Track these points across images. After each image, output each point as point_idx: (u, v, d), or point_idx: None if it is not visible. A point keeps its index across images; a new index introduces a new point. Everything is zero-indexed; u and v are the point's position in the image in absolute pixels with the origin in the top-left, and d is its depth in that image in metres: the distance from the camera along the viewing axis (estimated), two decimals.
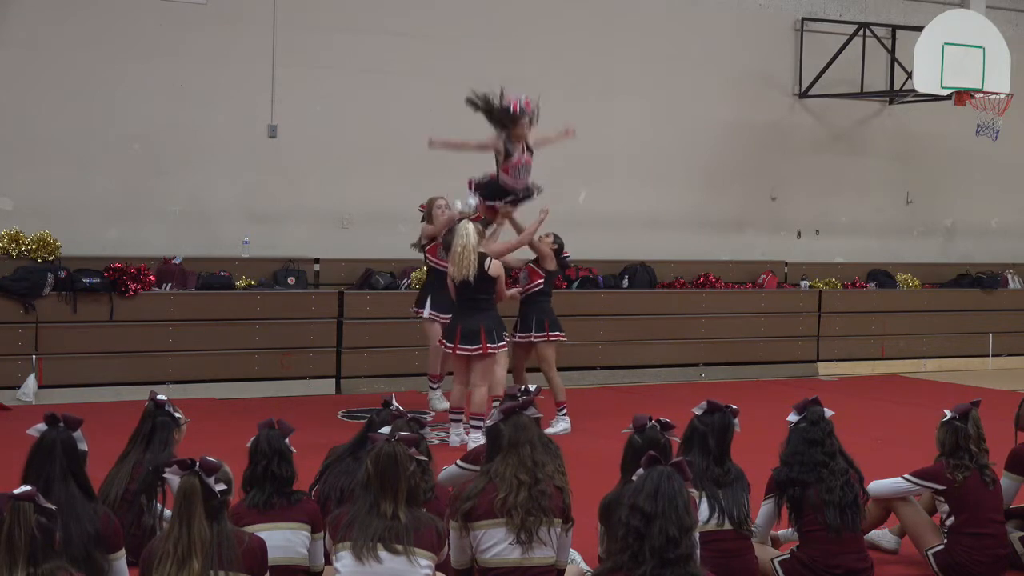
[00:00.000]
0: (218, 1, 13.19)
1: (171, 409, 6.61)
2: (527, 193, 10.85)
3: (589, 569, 5.93)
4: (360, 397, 12.60)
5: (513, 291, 10.69)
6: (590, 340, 14.16)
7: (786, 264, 16.38)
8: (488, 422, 5.95)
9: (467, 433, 10.05)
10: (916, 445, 9.35)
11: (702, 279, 15.30)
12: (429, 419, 9.83)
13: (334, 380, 13.13)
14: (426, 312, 11.39)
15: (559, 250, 11.17)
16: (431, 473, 5.86)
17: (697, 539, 4.85)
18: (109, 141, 12.84)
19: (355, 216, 13.92)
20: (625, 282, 14.90)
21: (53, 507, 4.42)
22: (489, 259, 9.99)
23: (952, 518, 6.71)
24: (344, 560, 5.10)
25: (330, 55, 13.71)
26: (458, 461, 6.65)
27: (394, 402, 6.28)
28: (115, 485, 6.41)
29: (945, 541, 6.72)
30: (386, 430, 5.41)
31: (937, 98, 15.13)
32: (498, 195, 10.75)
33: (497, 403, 6.23)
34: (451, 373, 10.65)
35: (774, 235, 16.52)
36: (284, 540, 5.59)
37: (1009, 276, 17.36)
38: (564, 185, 13.84)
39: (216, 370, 12.57)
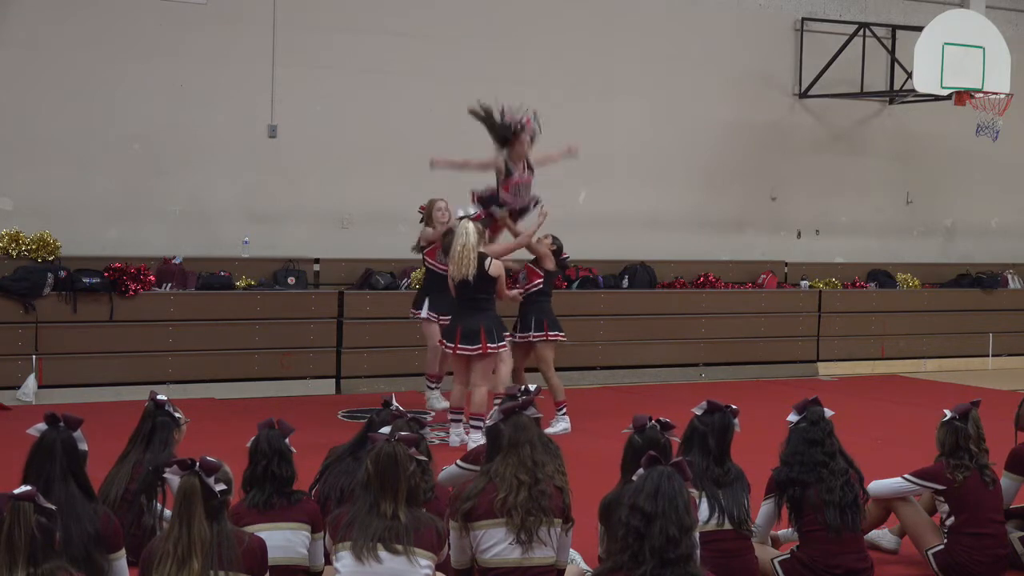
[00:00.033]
0: (218, 1, 13.19)
1: (171, 409, 6.60)
2: (524, 208, 10.97)
3: (589, 569, 5.93)
4: (360, 397, 12.61)
5: (514, 292, 10.70)
6: (590, 340, 14.16)
7: (786, 264, 16.37)
8: (488, 422, 5.95)
9: (467, 433, 10.06)
10: (916, 445, 9.35)
11: (702, 279, 15.30)
12: (429, 419, 9.83)
13: (334, 380, 13.13)
14: (423, 313, 11.41)
15: (558, 251, 11.18)
16: (431, 473, 5.86)
17: (697, 539, 4.85)
18: (109, 141, 12.84)
19: (355, 216, 13.92)
20: (625, 282, 14.90)
21: (53, 507, 4.41)
22: (489, 259, 9.99)
23: (952, 518, 6.71)
24: (344, 560, 5.10)
25: (330, 55, 13.71)
26: (458, 461, 6.65)
27: (394, 402, 6.28)
28: (115, 485, 6.41)
29: (945, 541, 6.71)
30: (386, 430, 5.41)
31: (937, 98, 15.13)
32: (499, 207, 10.88)
33: (498, 401, 6.22)
34: (451, 373, 10.65)
35: (774, 235, 16.52)
36: (284, 540, 5.59)
37: (1009, 276, 17.35)
38: (564, 185, 13.84)
39: (216, 370, 12.57)
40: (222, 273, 12.86)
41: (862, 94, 16.29)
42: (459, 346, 10.02)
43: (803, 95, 16.33)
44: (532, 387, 6.24)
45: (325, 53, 13.67)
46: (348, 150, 13.80)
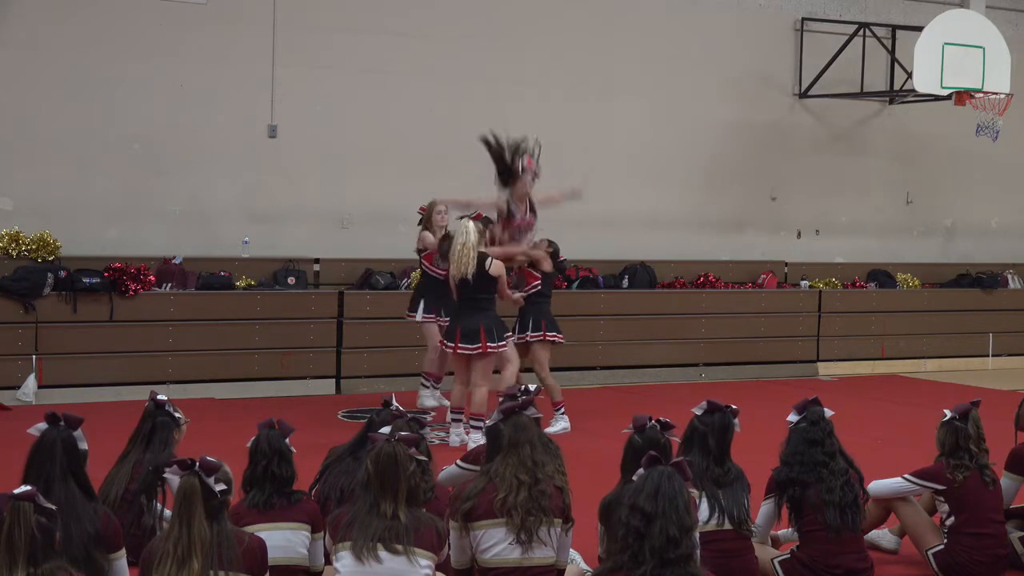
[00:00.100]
0: (218, 1, 13.19)
1: (171, 409, 6.60)
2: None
3: (589, 569, 5.93)
4: (360, 397, 12.60)
5: (517, 295, 10.70)
6: (590, 340, 14.16)
7: (786, 264, 16.37)
8: (488, 422, 5.95)
9: (467, 433, 10.06)
10: (916, 445, 9.34)
11: (702, 279, 15.30)
12: (429, 419, 9.82)
13: (334, 380, 13.13)
14: (418, 316, 11.44)
15: (555, 254, 11.20)
16: (431, 473, 5.86)
17: (697, 539, 4.85)
18: (109, 141, 12.84)
19: (355, 216, 13.92)
20: (625, 282, 14.90)
21: (53, 507, 4.41)
22: (490, 259, 9.99)
23: (952, 518, 6.71)
24: (344, 560, 5.10)
25: (330, 55, 13.70)
26: (458, 461, 6.65)
27: (394, 402, 6.28)
28: (115, 485, 6.40)
29: (945, 541, 6.71)
30: (386, 430, 5.41)
31: (937, 98, 15.12)
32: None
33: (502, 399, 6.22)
34: (451, 373, 10.65)
35: (774, 235, 16.52)
36: (284, 540, 5.59)
37: (1009, 276, 17.35)
38: (564, 185, 13.80)
39: (216, 370, 12.56)
40: (222, 273, 12.86)
41: (862, 94, 16.29)
42: (459, 345, 10.02)
43: (803, 95, 16.33)
44: (532, 387, 6.25)
45: (325, 53, 13.66)
46: (348, 150, 13.80)
